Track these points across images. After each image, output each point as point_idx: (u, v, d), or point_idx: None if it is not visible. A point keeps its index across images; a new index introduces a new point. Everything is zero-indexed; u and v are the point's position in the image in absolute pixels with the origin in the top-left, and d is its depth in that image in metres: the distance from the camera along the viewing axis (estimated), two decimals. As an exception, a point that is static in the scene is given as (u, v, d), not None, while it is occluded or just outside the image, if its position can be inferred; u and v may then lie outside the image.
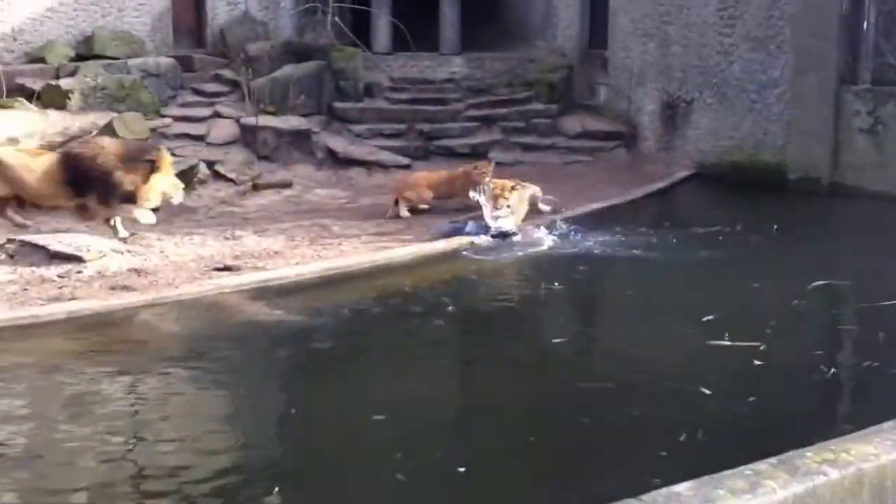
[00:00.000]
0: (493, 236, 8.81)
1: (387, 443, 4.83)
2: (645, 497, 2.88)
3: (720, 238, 9.03)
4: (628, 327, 6.91)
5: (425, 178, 10.08)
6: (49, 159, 8.44)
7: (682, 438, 4.74)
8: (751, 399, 5.26)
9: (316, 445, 4.98)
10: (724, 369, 5.70)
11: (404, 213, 9.68)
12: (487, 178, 9.28)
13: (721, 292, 7.35)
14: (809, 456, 3.25)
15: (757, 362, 5.73)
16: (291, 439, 5.13)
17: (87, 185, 8.36)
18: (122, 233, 8.47)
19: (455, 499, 4.38)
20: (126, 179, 8.40)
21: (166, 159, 8.67)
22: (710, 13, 11.77)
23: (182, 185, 8.82)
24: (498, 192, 8.97)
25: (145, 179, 8.50)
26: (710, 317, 6.52)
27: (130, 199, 8.46)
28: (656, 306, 7.20)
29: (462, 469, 4.51)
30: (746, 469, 3.12)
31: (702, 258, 8.33)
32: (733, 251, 8.48)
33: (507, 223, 8.86)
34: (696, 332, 6.28)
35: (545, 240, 8.79)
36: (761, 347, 5.91)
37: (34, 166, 8.36)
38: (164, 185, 8.60)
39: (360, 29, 13.84)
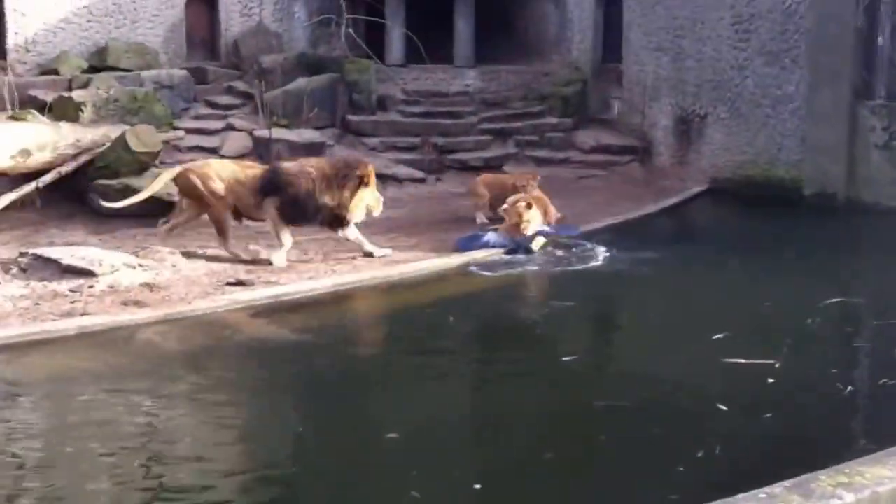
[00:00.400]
0: (511, 251, 8.78)
1: (401, 460, 4.80)
2: None
3: (734, 254, 8.98)
4: (642, 344, 6.85)
5: (483, 180, 10.24)
6: (255, 173, 8.55)
7: (699, 455, 4.72)
8: (766, 416, 5.23)
9: (330, 463, 4.93)
10: (740, 387, 5.65)
11: (480, 219, 9.74)
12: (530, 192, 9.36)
13: (735, 309, 7.30)
14: (824, 479, 3.22)
15: (772, 380, 5.68)
16: (304, 457, 5.07)
17: (275, 195, 8.39)
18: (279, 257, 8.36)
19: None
20: (331, 198, 8.45)
21: (372, 174, 8.70)
22: (724, 27, 11.72)
23: (382, 198, 8.84)
24: (521, 208, 8.96)
25: (353, 195, 8.52)
26: (724, 334, 6.48)
27: (335, 217, 8.51)
28: (669, 323, 7.15)
29: (478, 486, 4.48)
30: (760, 493, 3.09)
31: (715, 274, 8.28)
32: (747, 268, 8.42)
33: (536, 242, 8.87)
34: (711, 350, 6.24)
35: (558, 255, 8.76)
36: (776, 365, 5.86)
37: (243, 178, 8.46)
38: (369, 199, 8.63)
39: (374, 41, 13.84)
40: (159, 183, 8.65)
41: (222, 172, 8.52)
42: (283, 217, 8.44)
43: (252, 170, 8.70)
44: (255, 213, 8.60)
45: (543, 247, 8.92)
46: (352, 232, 8.63)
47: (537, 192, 9.66)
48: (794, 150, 11.12)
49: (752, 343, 6.41)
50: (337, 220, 8.56)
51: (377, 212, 8.76)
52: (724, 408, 5.30)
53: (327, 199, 8.46)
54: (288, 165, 8.71)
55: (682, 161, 12.31)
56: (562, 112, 13.10)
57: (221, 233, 8.47)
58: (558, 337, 7.22)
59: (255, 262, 8.34)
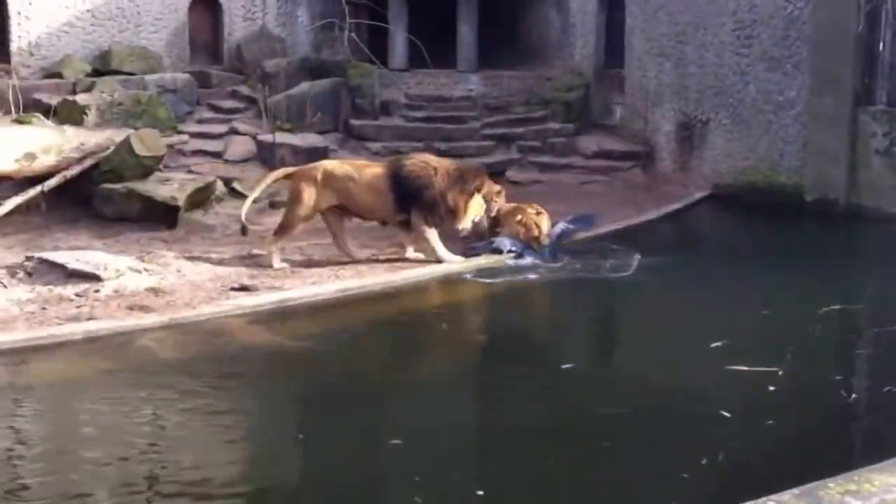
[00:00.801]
0: (517, 254, 8.82)
1: (404, 467, 4.82)
2: None
3: (735, 261, 9.00)
4: (643, 351, 6.85)
5: None
6: (374, 172, 8.59)
7: (703, 462, 4.75)
8: (769, 422, 5.26)
9: (334, 471, 4.94)
10: (743, 394, 5.68)
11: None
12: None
13: (736, 316, 7.32)
14: (832, 487, 3.22)
15: (774, 387, 5.71)
16: (307, 464, 5.10)
17: (412, 202, 8.47)
18: (441, 253, 8.52)
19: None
20: (453, 200, 8.52)
21: (487, 180, 8.80)
22: (726, 33, 11.75)
23: (484, 206, 8.87)
24: (535, 218, 8.96)
25: (469, 199, 8.59)
26: (726, 341, 6.50)
27: (444, 219, 8.60)
28: (669, 330, 7.15)
29: (480, 492, 4.50)
30: (769, 500, 3.10)
31: (717, 281, 8.29)
32: (749, 274, 8.44)
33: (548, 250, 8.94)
34: (713, 357, 6.27)
35: (558, 262, 8.80)
36: (779, 372, 5.89)
37: (358, 178, 8.48)
38: (479, 205, 8.70)
39: (377, 45, 13.86)
40: (262, 185, 8.84)
41: (335, 172, 8.53)
42: (426, 220, 8.52)
43: (370, 168, 8.75)
44: (371, 214, 8.70)
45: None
46: (433, 236, 8.62)
47: (513, 204, 9.37)
48: (795, 156, 11.15)
49: (753, 350, 6.43)
50: (442, 222, 8.60)
51: (478, 219, 8.81)
52: (727, 414, 5.33)
53: (448, 200, 8.52)
54: (414, 165, 8.63)
55: (685, 167, 12.33)
56: (564, 117, 13.12)
57: (284, 230, 8.53)
58: (559, 343, 7.25)
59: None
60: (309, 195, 8.47)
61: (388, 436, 5.23)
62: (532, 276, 8.48)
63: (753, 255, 9.17)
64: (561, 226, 9.40)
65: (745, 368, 5.95)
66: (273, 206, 10.29)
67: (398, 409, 5.86)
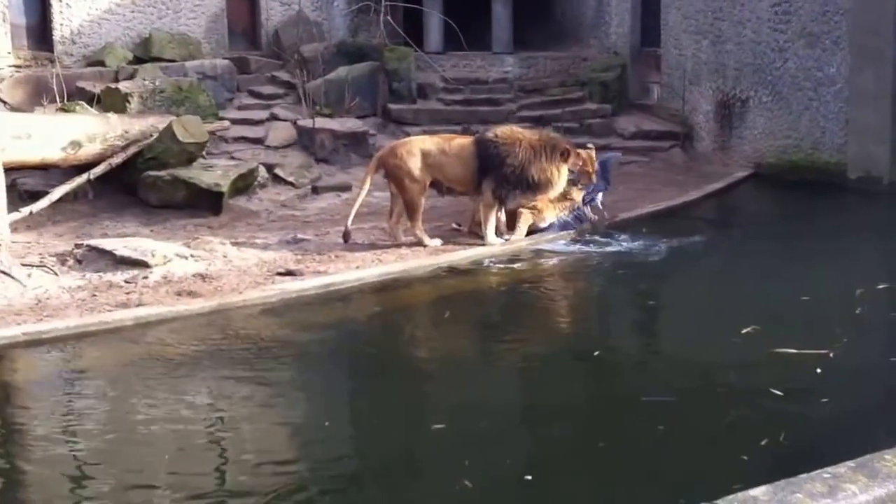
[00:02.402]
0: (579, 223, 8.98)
1: (450, 452, 4.87)
2: (720, 502, 2.89)
3: (779, 241, 8.95)
4: (689, 334, 6.82)
5: None
6: (461, 142, 8.73)
7: (763, 443, 4.73)
8: (823, 400, 5.25)
9: (380, 454, 5.03)
10: (793, 376, 5.66)
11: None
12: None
13: (782, 297, 7.28)
14: (889, 458, 3.23)
15: (824, 369, 5.69)
16: (354, 447, 5.19)
17: (493, 173, 8.50)
18: (498, 239, 8.62)
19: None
20: (539, 172, 8.48)
21: (574, 150, 8.71)
22: (763, 9, 11.61)
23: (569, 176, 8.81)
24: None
25: (558, 171, 8.55)
26: (772, 323, 6.48)
27: (533, 192, 8.62)
28: (715, 312, 7.11)
29: (529, 477, 4.55)
30: (824, 472, 3.11)
31: (761, 261, 8.26)
32: (793, 254, 8.39)
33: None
34: (760, 339, 6.25)
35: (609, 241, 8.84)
36: (830, 354, 5.86)
37: (448, 150, 8.61)
38: (565, 177, 8.70)
39: (413, 28, 13.89)
40: (367, 183, 8.78)
41: (425, 147, 8.62)
42: (495, 196, 8.57)
43: (457, 139, 8.88)
44: (461, 186, 8.75)
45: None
46: (492, 213, 8.69)
47: None
48: (837, 134, 11.02)
49: (801, 332, 6.41)
50: (532, 195, 8.60)
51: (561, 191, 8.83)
52: (778, 392, 5.32)
53: (533, 172, 8.51)
54: (498, 134, 8.68)
55: (725, 146, 12.24)
56: (601, 98, 13.07)
57: (414, 212, 8.59)
58: (603, 325, 7.27)
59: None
60: (417, 168, 8.55)
61: (431, 420, 5.30)
62: (577, 252, 8.58)
63: (797, 234, 9.09)
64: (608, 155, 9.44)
65: (794, 351, 5.93)
66: (315, 191, 10.41)
67: (438, 391, 5.93)
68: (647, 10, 13.43)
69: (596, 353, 6.26)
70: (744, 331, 6.40)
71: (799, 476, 3.05)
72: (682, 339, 6.80)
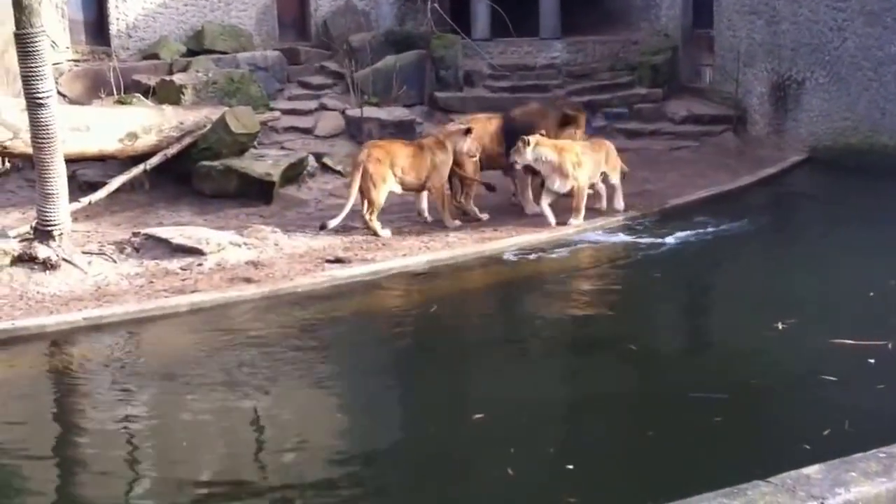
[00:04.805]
0: None
1: (490, 442, 4.87)
2: (774, 479, 2.88)
3: (836, 228, 8.79)
4: (745, 323, 6.68)
5: None
6: (495, 123, 9.47)
7: (826, 433, 4.67)
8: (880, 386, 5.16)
9: (424, 442, 5.08)
10: (854, 366, 5.57)
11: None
12: None
13: (838, 287, 7.18)
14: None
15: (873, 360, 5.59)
16: (396, 436, 5.24)
17: None
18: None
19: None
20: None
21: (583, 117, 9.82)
22: (821, -13, 11.37)
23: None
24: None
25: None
26: (827, 313, 6.39)
27: None
28: (769, 302, 7.01)
29: (570, 466, 4.53)
30: (879, 452, 3.09)
31: (815, 250, 8.12)
32: (851, 242, 8.23)
33: None
34: (817, 330, 6.16)
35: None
36: (889, 346, 5.75)
37: (489, 129, 9.36)
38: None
39: (459, 15, 13.85)
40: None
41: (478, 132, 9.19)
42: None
43: (494, 120, 9.53)
44: (499, 162, 9.35)
45: None
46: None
47: None
48: (897, 115, 10.75)
49: (860, 322, 6.29)
50: None
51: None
52: (833, 378, 5.22)
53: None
54: (520, 112, 9.61)
55: (779, 130, 12.00)
56: (651, 82, 12.90)
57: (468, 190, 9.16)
58: (657, 314, 7.21)
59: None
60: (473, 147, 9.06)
61: (471, 410, 5.33)
62: (620, 242, 8.56)
63: (854, 221, 8.90)
64: None
65: (852, 342, 5.82)
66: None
67: (481, 381, 5.96)
68: (699, -9, 13.24)
69: (652, 344, 6.23)
70: (794, 320, 6.31)
71: (853, 455, 3.03)
72: (733, 328, 6.70)
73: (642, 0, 14.10)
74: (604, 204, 9.40)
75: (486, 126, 9.34)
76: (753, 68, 12.27)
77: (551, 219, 8.87)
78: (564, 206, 9.04)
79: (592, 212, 9.21)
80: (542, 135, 8.98)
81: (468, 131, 8.94)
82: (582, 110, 10.22)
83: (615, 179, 9.34)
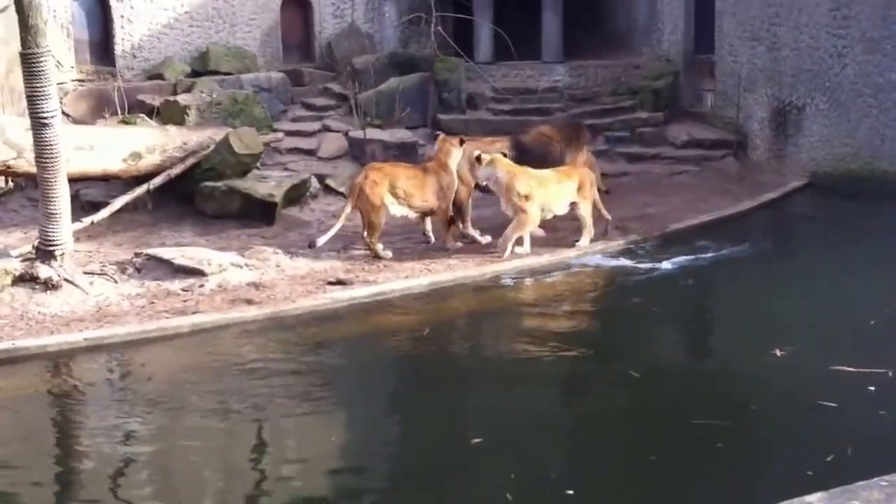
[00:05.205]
0: None
1: (489, 467, 4.88)
2: None
3: (835, 254, 8.80)
4: (745, 348, 6.71)
5: None
6: (501, 145, 9.56)
7: (828, 459, 4.67)
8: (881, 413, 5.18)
9: (422, 467, 5.08)
10: (853, 393, 5.58)
11: None
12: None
13: (837, 313, 7.18)
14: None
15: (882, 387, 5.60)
16: (394, 461, 5.24)
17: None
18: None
19: None
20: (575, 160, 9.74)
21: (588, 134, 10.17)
22: (822, 14, 11.42)
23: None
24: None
25: (576, 157, 9.78)
26: (826, 340, 6.38)
27: None
28: (769, 327, 7.02)
29: (571, 492, 4.53)
30: (882, 480, 3.07)
31: (815, 276, 8.13)
32: (852, 269, 8.22)
33: None
34: (817, 356, 6.16)
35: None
36: (890, 373, 5.75)
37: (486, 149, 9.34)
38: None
39: (463, 38, 13.95)
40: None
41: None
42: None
43: (498, 143, 9.59)
44: None
45: None
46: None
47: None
48: (897, 142, 10.80)
49: (860, 349, 6.29)
50: None
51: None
52: (833, 405, 5.25)
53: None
54: (530, 137, 9.87)
55: (780, 155, 12.05)
56: (653, 106, 12.96)
57: (463, 213, 9.14)
58: (654, 339, 7.20)
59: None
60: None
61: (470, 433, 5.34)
62: (619, 265, 8.56)
63: (854, 247, 8.91)
64: None
65: (853, 369, 5.83)
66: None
67: (478, 404, 5.97)
68: (701, 16, 13.29)
69: (650, 369, 6.22)
70: (793, 346, 6.31)
71: (856, 483, 3.02)
72: (732, 354, 6.70)
73: (644, 25, 14.19)
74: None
75: (490, 149, 9.33)
76: (754, 93, 12.34)
77: (524, 246, 8.80)
78: (574, 226, 9.08)
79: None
80: (504, 154, 8.86)
81: (461, 142, 8.97)
82: (583, 127, 10.41)
83: (582, 211, 8.91)
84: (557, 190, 8.81)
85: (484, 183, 8.77)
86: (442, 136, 9.31)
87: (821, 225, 10.10)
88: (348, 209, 8.71)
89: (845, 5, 11.14)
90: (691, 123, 12.84)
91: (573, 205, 8.93)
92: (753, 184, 11.39)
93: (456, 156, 8.91)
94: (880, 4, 10.79)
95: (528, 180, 8.63)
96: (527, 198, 8.57)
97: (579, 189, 8.89)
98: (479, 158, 8.69)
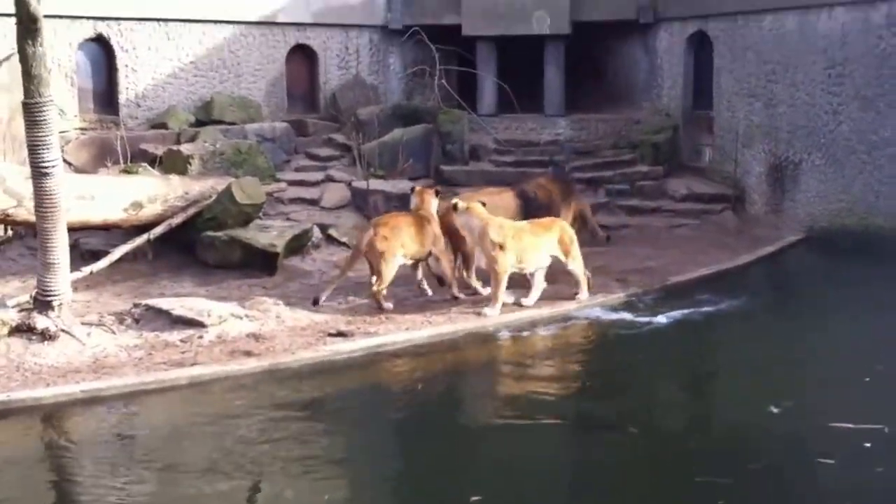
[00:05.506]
0: None
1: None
2: None
3: (833, 309, 8.83)
4: (744, 403, 6.72)
5: None
6: (507, 197, 9.94)
7: None
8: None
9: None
10: (850, 450, 5.58)
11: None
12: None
13: (833, 369, 7.19)
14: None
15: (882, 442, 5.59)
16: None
17: None
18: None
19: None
20: (568, 214, 10.29)
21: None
22: (817, 72, 11.59)
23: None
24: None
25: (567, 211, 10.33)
26: (824, 396, 6.38)
27: None
28: (759, 382, 7.04)
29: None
30: None
31: (814, 330, 8.14)
32: (849, 323, 8.27)
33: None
34: (813, 413, 6.16)
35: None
36: (886, 430, 5.75)
37: (500, 203, 9.64)
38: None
39: (466, 91, 14.14)
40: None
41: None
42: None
43: (506, 194, 10.01)
44: None
45: None
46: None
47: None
48: (892, 198, 10.85)
49: (855, 405, 6.30)
50: None
51: None
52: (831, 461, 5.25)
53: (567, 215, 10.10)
54: (532, 188, 10.28)
55: (777, 209, 12.14)
56: (653, 160, 13.08)
57: (468, 263, 9.24)
58: (652, 394, 7.19)
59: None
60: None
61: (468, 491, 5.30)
62: (617, 319, 8.58)
63: (852, 301, 8.96)
64: None
65: (852, 426, 5.83)
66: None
67: (477, 460, 5.95)
68: (700, 72, 13.49)
69: (648, 426, 6.21)
70: (790, 403, 6.31)
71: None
72: (730, 411, 6.71)
73: (644, 80, 14.39)
74: (530, 298, 8.72)
75: (496, 200, 9.55)
76: (752, 149, 12.46)
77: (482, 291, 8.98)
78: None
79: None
80: (483, 203, 8.82)
81: (437, 193, 9.25)
82: (572, 181, 10.97)
83: (572, 266, 8.82)
84: (534, 242, 8.70)
85: (461, 229, 8.85)
86: (418, 188, 9.43)
87: (817, 281, 10.15)
88: (354, 264, 8.75)
89: (840, 64, 11.31)
90: (690, 177, 12.95)
91: (560, 260, 8.81)
92: (751, 238, 11.48)
93: (434, 204, 9.08)
94: (873, 63, 10.96)
95: (502, 230, 8.58)
96: (500, 247, 8.50)
97: (560, 243, 8.78)
98: (455, 206, 8.70)
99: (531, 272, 8.83)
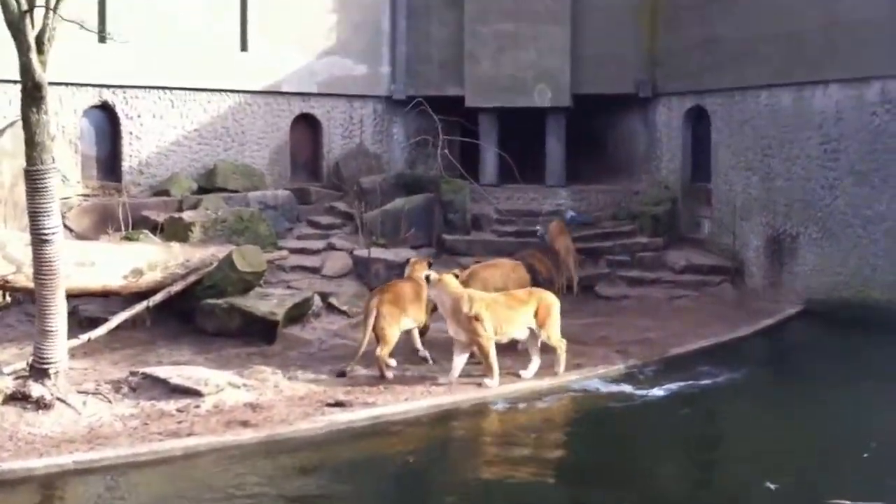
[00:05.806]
0: None
1: None
2: None
3: (832, 383, 8.79)
4: (737, 478, 6.66)
5: None
6: (520, 271, 10.30)
7: None
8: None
9: None
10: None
11: None
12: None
13: (833, 444, 7.13)
14: None
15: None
16: None
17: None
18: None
19: None
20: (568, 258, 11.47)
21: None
22: (812, 146, 11.74)
23: None
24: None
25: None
26: (821, 472, 6.31)
27: None
28: (761, 457, 6.96)
29: None
30: None
31: (814, 404, 8.10)
32: (845, 398, 8.23)
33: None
34: (810, 489, 6.09)
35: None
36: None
37: (512, 275, 10.10)
38: None
39: (469, 161, 14.30)
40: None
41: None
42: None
43: (519, 268, 10.34)
44: None
45: None
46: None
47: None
48: (888, 271, 10.92)
49: (853, 481, 6.23)
50: None
51: None
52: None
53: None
54: (533, 258, 10.80)
55: (775, 282, 12.17)
56: (652, 231, 13.18)
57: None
58: (648, 470, 7.11)
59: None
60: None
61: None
62: (616, 391, 8.53)
63: (850, 375, 8.96)
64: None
65: (847, 503, 5.77)
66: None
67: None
68: (698, 146, 13.68)
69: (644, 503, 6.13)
70: (786, 479, 6.24)
71: None
72: (727, 488, 6.63)
73: (643, 153, 14.57)
74: (529, 370, 8.66)
75: (508, 273, 10.02)
76: (749, 222, 12.55)
77: (454, 372, 8.57)
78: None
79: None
80: (455, 275, 8.80)
81: (429, 264, 9.52)
82: (557, 252, 11.54)
83: (544, 337, 8.68)
84: (508, 315, 8.58)
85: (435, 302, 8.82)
86: (412, 259, 9.79)
87: (815, 353, 10.15)
88: (368, 332, 8.78)
89: (835, 139, 11.47)
90: (689, 249, 13.03)
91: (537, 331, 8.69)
92: (750, 310, 11.50)
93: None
94: (868, 139, 11.13)
95: (472, 301, 8.48)
96: (476, 318, 8.40)
97: (536, 315, 8.66)
98: (428, 279, 8.68)
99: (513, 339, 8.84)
